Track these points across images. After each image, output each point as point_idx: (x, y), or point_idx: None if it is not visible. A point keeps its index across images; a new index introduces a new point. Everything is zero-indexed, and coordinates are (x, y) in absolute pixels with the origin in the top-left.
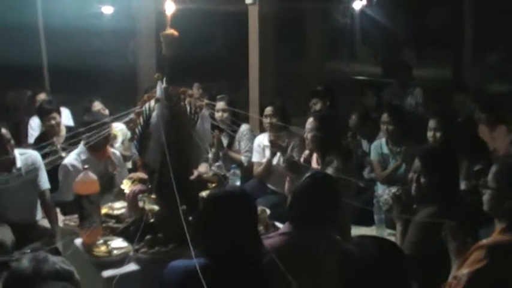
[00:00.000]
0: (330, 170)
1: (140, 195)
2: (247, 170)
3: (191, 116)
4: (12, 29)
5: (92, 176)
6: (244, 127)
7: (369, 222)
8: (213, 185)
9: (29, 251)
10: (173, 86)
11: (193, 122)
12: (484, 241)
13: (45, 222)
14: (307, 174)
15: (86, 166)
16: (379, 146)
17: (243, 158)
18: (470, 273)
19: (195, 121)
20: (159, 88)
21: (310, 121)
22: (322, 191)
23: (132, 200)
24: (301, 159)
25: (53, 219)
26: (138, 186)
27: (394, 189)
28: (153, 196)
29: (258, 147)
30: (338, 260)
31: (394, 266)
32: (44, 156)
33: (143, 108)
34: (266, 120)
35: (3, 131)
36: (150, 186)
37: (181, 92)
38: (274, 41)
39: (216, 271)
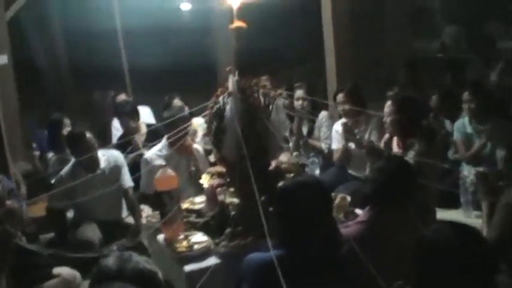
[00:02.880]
0: (411, 154)
1: (219, 189)
2: (327, 157)
3: (265, 107)
4: (92, 33)
5: (171, 172)
6: (323, 114)
7: (455, 204)
8: (292, 174)
9: (115, 247)
10: (246, 78)
11: (268, 112)
12: None
13: (130, 219)
14: (383, 160)
15: (164, 163)
16: (462, 126)
17: (322, 145)
18: None
19: (270, 112)
20: (231, 81)
21: (388, 104)
22: (399, 176)
23: (211, 194)
24: (382, 144)
25: (136, 216)
26: (217, 180)
27: (480, 169)
28: (232, 189)
29: (336, 134)
30: (416, 247)
31: (475, 254)
32: (126, 155)
33: (217, 102)
34: (339, 108)
35: (88, 135)
36: (228, 179)
37: (254, 84)
38: (350, 22)
39: (292, 263)
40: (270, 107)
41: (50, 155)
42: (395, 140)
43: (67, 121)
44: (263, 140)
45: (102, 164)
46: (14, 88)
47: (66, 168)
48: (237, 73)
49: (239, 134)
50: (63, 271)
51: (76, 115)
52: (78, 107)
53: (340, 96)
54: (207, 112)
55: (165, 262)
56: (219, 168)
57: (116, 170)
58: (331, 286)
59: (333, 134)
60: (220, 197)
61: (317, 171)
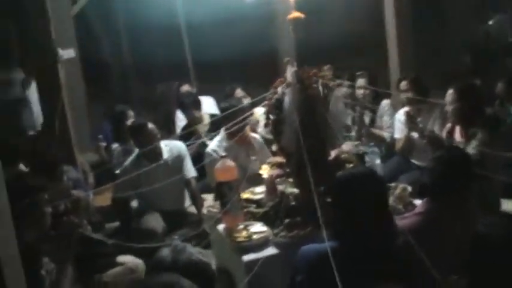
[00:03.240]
0: (474, 143)
1: (278, 180)
2: (390, 147)
3: (324, 98)
4: (156, 26)
5: (230, 162)
6: (385, 102)
7: None
8: (351, 165)
9: (177, 237)
10: (305, 68)
11: (326, 103)
12: None
13: (193, 209)
14: (442, 150)
15: (223, 154)
16: None
17: (385, 134)
18: None
19: (328, 102)
20: (289, 72)
21: (450, 93)
22: (458, 167)
23: (271, 184)
24: (444, 133)
25: (198, 206)
26: (276, 171)
27: None
28: (291, 180)
29: (398, 123)
30: (472, 241)
31: None
32: (189, 145)
33: (275, 93)
34: (402, 96)
35: (150, 126)
36: (288, 170)
37: (313, 74)
38: (412, 9)
39: (347, 254)
40: (328, 97)
41: (115, 146)
42: (457, 129)
43: (131, 113)
44: (321, 131)
45: (165, 154)
46: (81, 81)
47: (130, 159)
48: (295, 63)
49: (297, 125)
50: (127, 259)
51: (140, 107)
52: (143, 99)
53: (403, 84)
54: (266, 102)
55: (225, 252)
56: (279, 159)
57: (178, 160)
58: (385, 278)
59: (396, 123)
60: (280, 187)
61: (377, 161)
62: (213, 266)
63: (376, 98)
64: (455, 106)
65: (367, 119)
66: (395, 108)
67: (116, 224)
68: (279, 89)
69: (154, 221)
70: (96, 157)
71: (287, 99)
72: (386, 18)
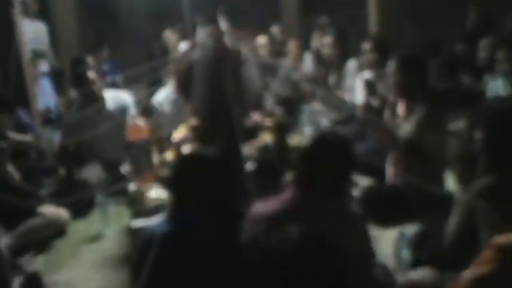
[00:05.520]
0: (412, 121)
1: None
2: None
3: (235, 60)
4: None
5: (141, 122)
6: (351, 63)
7: None
8: (269, 133)
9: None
10: (214, 28)
11: (238, 65)
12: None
13: None
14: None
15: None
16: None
17: (346, 98)
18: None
19: (241, 64)
20: (200, 31)
21: (390, 63)
22: (331, 153)
23: (176, 147)
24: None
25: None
26: (186, 134)
27: None
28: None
29: (359, 86)
30: None
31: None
32: None
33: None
34: (365, 57)
35: (91, 75)
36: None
37: (222, 34)
38: None
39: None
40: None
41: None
42: (401, 104)
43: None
44: (234, 93)
45: (110, 104)
46: None
47: (74, 107)
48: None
49: (208, 86)
50: (48, 210)
51: None
52: None
53: (365, 45)
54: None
55: None
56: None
57: (122, 111)
58: None
59: (356, 86)
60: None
61: (308, 131)
62: None
63: (344, 57)
64: (395, 78)
65: (332, 80)
66: (361, 69)
67: None
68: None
69: (92, 172)
70: None
71: (197, 58)
72: None
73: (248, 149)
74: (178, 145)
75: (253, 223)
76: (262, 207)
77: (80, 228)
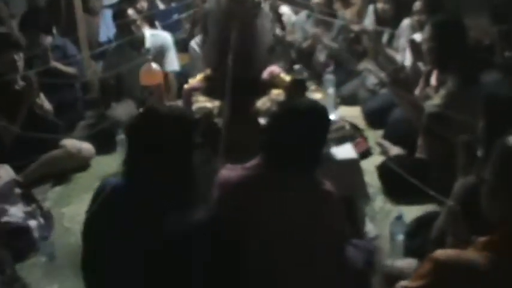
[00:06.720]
0: (441, 94)
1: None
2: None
3: (250, 12)
4: None
5: (156, 67)
6: (405, 22)
7: None
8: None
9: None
10: None
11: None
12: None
13: None
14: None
15: None
16: None
17: (398, 58)
18: None
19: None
20: None
21: (426, 29)
22: (300, 123)
23: (186, 96)
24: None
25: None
26: (197, 83)
27: None
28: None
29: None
30: None
31: None
32: None
33: None
34: (414, 18)
35: (130, 11)
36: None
37: None
38: None
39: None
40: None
41: None
42: (435, 73)
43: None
44: (247, 45)
45: (148, 44)
46: None
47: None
48: None
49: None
50: (68, 143)
51: None
52: None
53: (417, 4)
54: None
55: None
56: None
57: (161, 51)
58: None
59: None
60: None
61: (330, 90)
62: None
63: (398, 16)
64: (429, 45)
65: (385, 38)
66: (414, 30)
67: None
68: None
69: (124, 109)
70: None
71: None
72: None
73: (262, 103)
74: (187, 94)
75: (218, 187)
76: (228, 172)
77: (102, 163)
